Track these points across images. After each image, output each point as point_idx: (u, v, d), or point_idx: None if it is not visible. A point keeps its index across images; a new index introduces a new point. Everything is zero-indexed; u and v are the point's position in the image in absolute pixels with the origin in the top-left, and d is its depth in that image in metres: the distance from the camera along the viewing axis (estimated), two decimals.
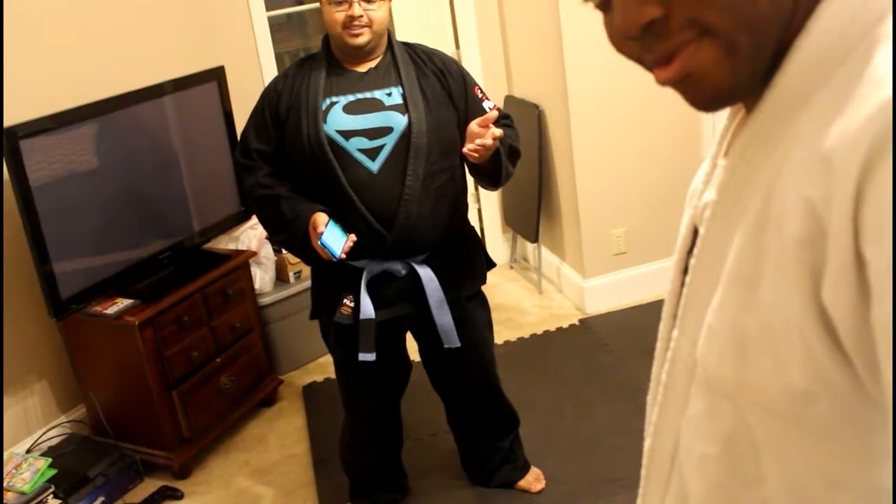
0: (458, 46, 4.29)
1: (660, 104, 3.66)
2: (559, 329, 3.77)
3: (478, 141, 2.11)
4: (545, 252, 4.20)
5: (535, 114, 3.89)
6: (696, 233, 0.75)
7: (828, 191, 0.53)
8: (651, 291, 3.88)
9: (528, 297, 4.14)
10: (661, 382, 0.79)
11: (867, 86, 0.53)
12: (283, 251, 3.63)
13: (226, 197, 3.45)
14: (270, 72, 3.97)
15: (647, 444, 0.83)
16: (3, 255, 2.94)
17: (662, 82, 0.64)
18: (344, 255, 2.15)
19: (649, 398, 0.85)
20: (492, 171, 2.29)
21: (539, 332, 3.76)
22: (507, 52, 4.24)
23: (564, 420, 3.07)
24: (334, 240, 2.14)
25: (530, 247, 4.33)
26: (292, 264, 3.66)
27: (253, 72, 3.92)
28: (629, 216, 3.81)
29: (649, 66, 0.65)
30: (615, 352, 3.49)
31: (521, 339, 3.71)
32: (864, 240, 0.51)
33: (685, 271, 0.77)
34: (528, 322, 3.88)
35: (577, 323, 3.79)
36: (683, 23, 0.59)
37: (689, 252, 0.77)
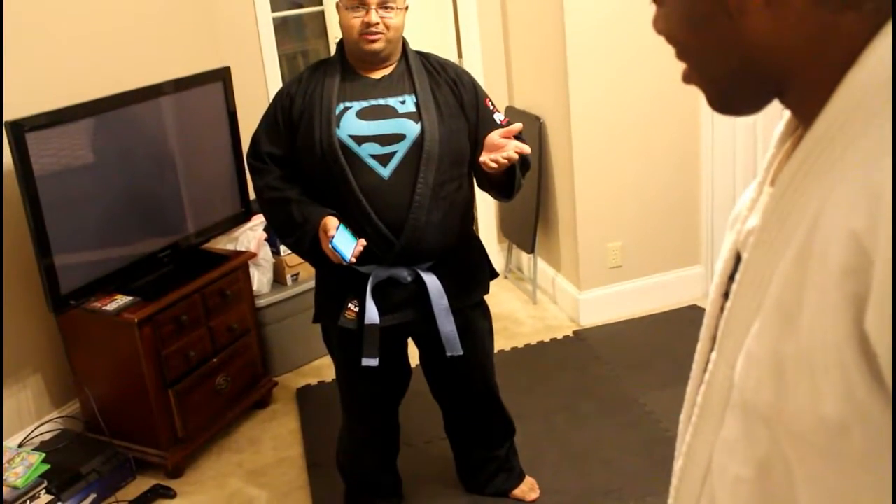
0: (460, 55, 4.32)
1: (661, 121, 3.70)
2: (553, 340, 3.79)
3: (503, 154, 2.12)
4: (541, 263, 4.22)
5: (535, 125, 3.92)
6: (737, 258, 0.77)
7: (874, 222, 0.55)
8: (645, 306, 3.91)
9: (522, 307, 4.16)
10: (697, 403, 0.80)
11: None
12: (282, 253, 3.63)
13: (227, 197, 3.45)
14: (274, 73, 3.98)
15: (678, 463, 0.84)
16: (2, 249, 2.93)
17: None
18: (354, 260, 2.16)
19: (682, 417, 0.86)
20: (505, 183, 2.31)
21: (533, 342, 3.78)
22: (509, 62, 4.27)
23: (558, 431, 3.09)
24: (345, 244, 2.15)
25: (525, 257, 4.35)
26: (290, 267, 3.66)
27: (256, 73, 3.93)
28: (626, 230, 3.84)
29: None
30: (609, 365, 3.51)
31: (515, 349, 3.73)
32: None
33: (725, 295, 0.78)
34: (522, 332, 3.90)
35: (571, 335, 3.81)
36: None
37: (731, 276, 0.78)
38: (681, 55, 0.73)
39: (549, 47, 3.71)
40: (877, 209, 0.55)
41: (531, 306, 4.15)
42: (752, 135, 3.78)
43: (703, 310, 3.52)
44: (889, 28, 0.60)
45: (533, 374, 3.52)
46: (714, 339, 0.79)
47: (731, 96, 0.72)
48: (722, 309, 0.78)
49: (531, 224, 4.07)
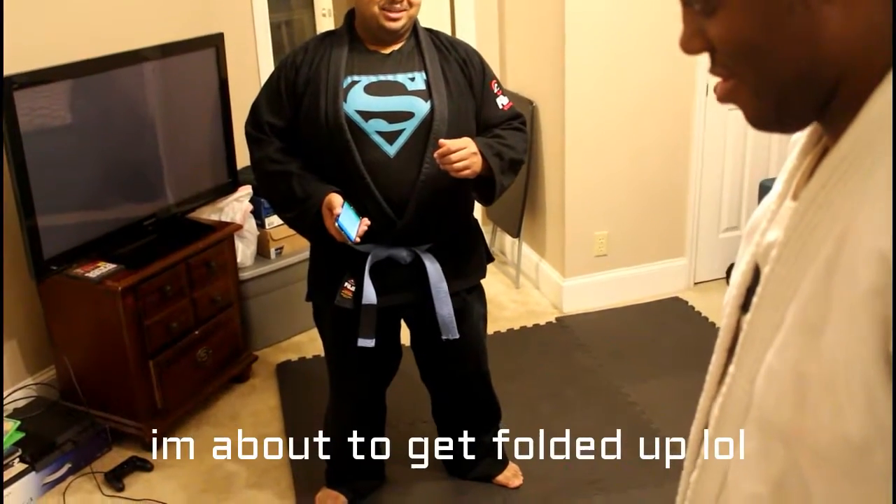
0: (454, 33, 4.25)
1: (654, 112, 3.69)
2: (536, 326, 3.78)
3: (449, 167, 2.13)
4: (525, 248, 4.20)
5: (528, 109, 3.89)
6: (756, 270, 0.75)
7: None
8: (629, 295, 3.92)
9: (505, 291, 4.14)
10: (713, 416, 0.78)
11: None
12: (267, 226, 3.57)
13: (214, 167, 3.37)
14: (265, 42, 3.89)
15: (693, 475, 0.83)
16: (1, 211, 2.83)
17: (718, 97, 0.73)
18: (359, 239, 2.12)
19: (694, 429, 0.85)
20: (484, 187, 2.28)
21: (516, 327, 3.77)
22: (503, 44, 4.23)
23: (541, 418, 3.08)
24: (350, 223, 2.10)
25: (509, 241, 4.33)
26: (274, 240, 3.60)
27: (247, 41, 3.83)
28: (613, 219, 3.84)
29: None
30: (592, 353, 3.51)
31: (497, 333, 3.71)
32: None
33: (743, 307, 0.77)
34: (505, 317, 3.88)
35: (553, 321, 3.81)
36: (721, 62, 0.68)
37: (749, 289, 0.76)
38: (738, 65, 0.66)
39: (547, 31, 3.67)
40: None
41: (513, 290, 4.14)
42: (742, 130, 3.80)
43: (686, 302, 3.55)
44: None
45: (516, 359, 3.50)
46: (729, 351, 0.77)
47: (786, 108, 0.67)
48: (739, 322, 0.77)
49: (518, 208, 4.04)
